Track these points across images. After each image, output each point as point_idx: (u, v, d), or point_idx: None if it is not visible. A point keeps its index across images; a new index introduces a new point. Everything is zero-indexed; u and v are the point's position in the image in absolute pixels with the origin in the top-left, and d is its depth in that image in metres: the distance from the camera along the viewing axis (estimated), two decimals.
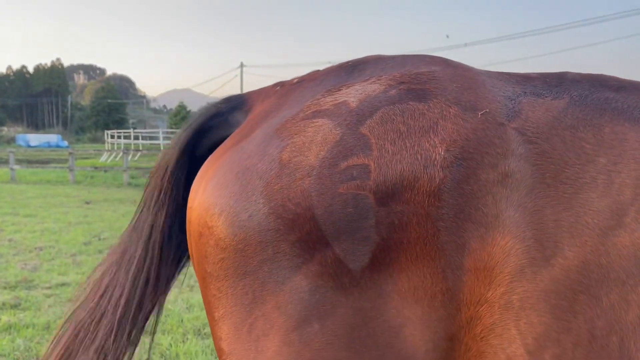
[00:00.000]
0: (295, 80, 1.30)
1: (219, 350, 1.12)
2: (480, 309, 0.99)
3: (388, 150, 1.02)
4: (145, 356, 4.21)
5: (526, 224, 0.98)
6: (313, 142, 1.06)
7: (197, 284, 5.97)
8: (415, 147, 1.02)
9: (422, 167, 1.01)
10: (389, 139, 1.03)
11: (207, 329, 4.59)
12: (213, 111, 1.39)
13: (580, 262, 0.95)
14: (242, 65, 60.23)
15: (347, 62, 1.26)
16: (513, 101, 1.10)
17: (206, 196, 1.13)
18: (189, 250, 1.24)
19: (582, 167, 1.00)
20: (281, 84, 1.34)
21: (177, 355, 4.03)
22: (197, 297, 5.48)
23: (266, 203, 1.04)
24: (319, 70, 1.31)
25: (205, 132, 1.38)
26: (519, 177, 1.01)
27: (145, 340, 4.50)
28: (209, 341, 4.31)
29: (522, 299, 0.97)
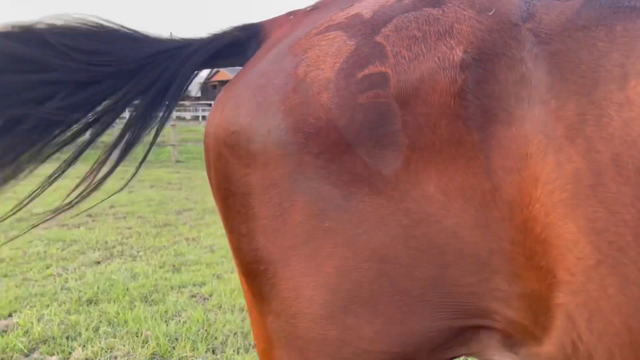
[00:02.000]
0: (309, 8, 1.30)
1: (255, 262, 1.13)
2: (534, 209, 0.98)
3: (405, 57, 1.04)
4: (94, 323, 4.13)
5: (553, 121, 0.98)
6: (328, 55, 1.07)
7: (140, 254, 5.89)
8: (432, 51, 1.03)
9: (441, 70, 1.02)
10: (404, 45, 1.04)
11: (154, 296, 4.55)
12: (229, 39, 1.36)
13: (613, 155, 0.94)
14: (171, 36, 58.26)
15: None
16: (527, 3, 1.10)
17: (223, 117, 1.15)
18: (208, 176, 1.24)
19: (596, 62, 1.00)
20: (294, 13, 1.34)
21: (125, 321, 3.97)
22: (140, 265, 5.41)
23: (285, 118, 1.06)
24: None
25: (219, 57, 1.36)
26: (537, 76, 1.01)
27: (91, 310, 4.38)
28: (157, 307, 4.27)
29: (572, 195, 0.96)
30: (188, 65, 1.34)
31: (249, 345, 3.64)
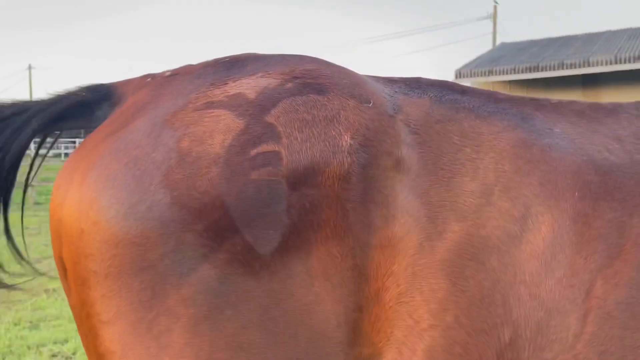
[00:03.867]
0: (168, 73, 1.28)
1: (106, 354, 1.06)
2: (387, 281, 1.09)
3: (297, 138, 1.08)
4: None
5: (418, 204, 1.11)
6: (215, 131, 1.07)
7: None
8: (323, 135, 1.10)
9: (331, 153, 1.09)
10: (296, 127, 1.09)
11: (9, 358, 4.13)
12: (75, 99, 1.28)
13: (465, 234, 1.11)
14: (30, 68, 54.59)
15: (224, 58, 1.28)
16: (393, 97, 1.24)
17: (86, 190, 1.06)
18: (56, 251, 1.16)
19: (454, 155, 1.17)
20: (152, 76, 1.30)
21: None
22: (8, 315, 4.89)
23: (167, 193, 1.02)
24: (192, 64, 1.30)
25: (62, 120, 1.28)
26: (409, 164, 1.14)
27: None
28: None
29: (424, 269, 1.09)
30: (24, 134, 1.24)
31: None
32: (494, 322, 1.09)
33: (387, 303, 1.10)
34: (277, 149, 1.07)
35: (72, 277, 1.10)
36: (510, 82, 21.19)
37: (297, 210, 1.06)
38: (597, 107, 1.38)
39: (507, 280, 1.10)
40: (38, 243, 9.12)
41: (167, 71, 1.30)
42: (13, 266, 5.33)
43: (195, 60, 1.32)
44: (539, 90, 20.91)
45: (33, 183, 14.99)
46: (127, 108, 1.21)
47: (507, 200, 1.14)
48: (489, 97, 1.33)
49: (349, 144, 1.10)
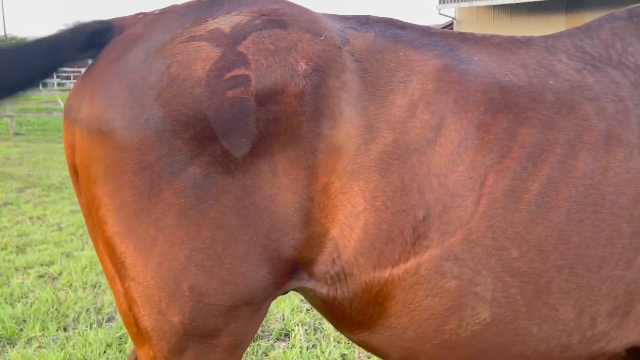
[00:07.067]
0: (157, 12, 1.50)
1: (113, 236, 1.32)
2: (332, 177, 1.36)
3: (263, 64, 1.32)
4: None
5: (358, 117, 1.37)
6: (197, 59, 1.30)
7: None
8: (283, 62, 1.33)
9: (289, 76, 1.33)
10: (262, 55, 1.32)
11: None
12: (91, 29, 1.45)
13: (394, 140, 1.37)
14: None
15: None
16: (342, 32, 1.48)
17: (95, 107, 1.31)
18: (69, 159, 1.39)
19: (389, 78, 1.42)
20: (144, 14, 1.52)
21: None
22: None
23: (161, 108, 1.26)
24: (177, 5, 1.51)
25: (87, 49, 1.44)
26: (352, 85, 1.39)
27: None
28: (1, 290, 4.09)
29: (360, 166, 1.36)
30: (49, 61, 1.42)
31: (102, 320, 3.67)
32: (412, 205, 1.37)
33: (332, 194, 1.36)
34: (247, 72, 1.30)
35: (85, 177, 1.34)
36: (495, 7, 20.90)
37: (263, 122, 1.30)
38: (513, 40, 1.61)
39: (422, 173, 1.37)
40: (21, 173, 9.22)
41: (156, 10, 1.51)
42: None
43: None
44: (522, 15, 20.67)
45: (11, 114, 14.75)
46: (121, 41, 1.42)
47: (428, 113, 1.40)
48: (424, 31, 1.55)
49: (304, 69, 1.34)
